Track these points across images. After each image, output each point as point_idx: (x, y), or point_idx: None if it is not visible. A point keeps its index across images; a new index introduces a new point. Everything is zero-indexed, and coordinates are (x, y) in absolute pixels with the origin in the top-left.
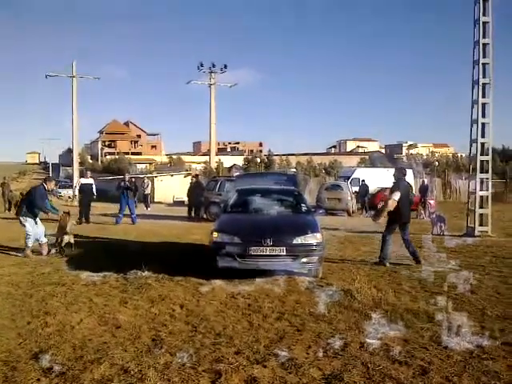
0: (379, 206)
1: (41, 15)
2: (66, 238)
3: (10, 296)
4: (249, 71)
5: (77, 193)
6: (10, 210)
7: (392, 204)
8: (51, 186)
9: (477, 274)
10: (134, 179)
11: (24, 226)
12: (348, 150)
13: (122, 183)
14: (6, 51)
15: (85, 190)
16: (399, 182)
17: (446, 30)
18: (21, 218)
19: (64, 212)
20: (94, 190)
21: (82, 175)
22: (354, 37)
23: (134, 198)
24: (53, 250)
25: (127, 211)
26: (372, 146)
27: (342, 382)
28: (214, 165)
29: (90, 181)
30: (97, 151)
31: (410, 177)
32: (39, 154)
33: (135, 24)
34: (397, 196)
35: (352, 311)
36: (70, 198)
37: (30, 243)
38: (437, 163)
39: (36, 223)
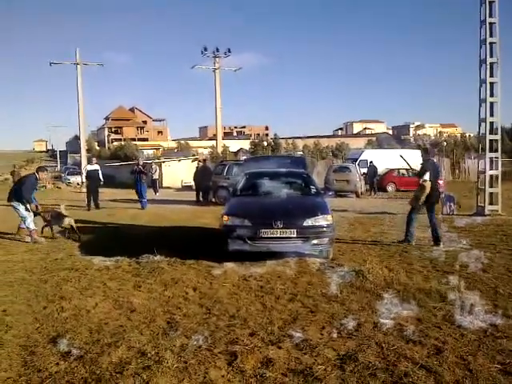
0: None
1: (45, 4)
2: (67, 221)
3: (25, 282)
4: (254, 55)
5: (84, 179)
6: None
7: (428, 185)
8: (43, 175)
9: (488, 252)
10: (146, 164)
11: (18, 210)
12: (355, 131)
13: (136, 167)
14: (11, 40)
15: (91, 176)
16: (427, 162)
17: (452, 9)
18: (13, 203)
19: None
20: (101, 175)
21: (89, 162)
22: (360, 18)
23: (145, 182)
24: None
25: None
26: (379, 128)
27: (357, 363)
28: (220, 149)
29: (96, 167)
30: (103, 137)
31: (417, 158)
32: (46, 141)
33: (138, 10)
34: (427, 176)
35: (364, 292)
36: (78, 184)
37: (32, 225)
38: (445, 143)
39: (27, 208)
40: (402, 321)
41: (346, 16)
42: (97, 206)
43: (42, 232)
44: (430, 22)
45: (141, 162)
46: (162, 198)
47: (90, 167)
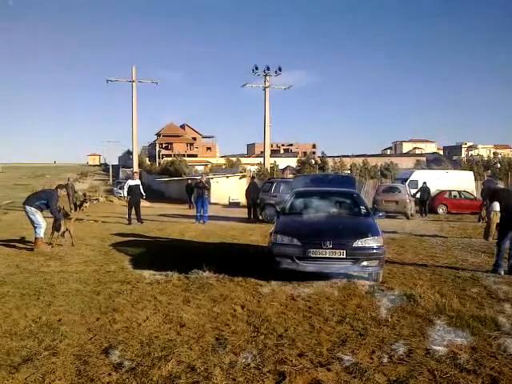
0: (483, 213)
1: (102, 24)
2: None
3: (79, 293)
4: (303, 73)
5: (125, 194)
6: (75, 209)
7: (496, 216)
8: (62, 192)
9: None
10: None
11: (34, 217)
12: (404, 151)
13: (200, 183)
14: (69, 58)
15: (133, 190)
16: (496, 191)
17: (505, 29)
18: (31, 209)
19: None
20: (142, 190)
21: (130, 177)
22: (409, 38)
23: (208, 197)
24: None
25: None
26: (429, 148)
27: None
28: (268, 166)
29: (137, 182)
30: (154, 153)
31: (470, 179)
32: (100, 155)
33: (191, 28)
34: (496, 207)
35: (415, 317)
36: (124, 197)
37: (42, 234)
38: (499, 165)
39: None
40: (456, 348)
41: (396, 34)
42: (139, 220)
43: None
44: (483, 42)
45: (204, 179)
46: (210, 214)
47: (132, 182)
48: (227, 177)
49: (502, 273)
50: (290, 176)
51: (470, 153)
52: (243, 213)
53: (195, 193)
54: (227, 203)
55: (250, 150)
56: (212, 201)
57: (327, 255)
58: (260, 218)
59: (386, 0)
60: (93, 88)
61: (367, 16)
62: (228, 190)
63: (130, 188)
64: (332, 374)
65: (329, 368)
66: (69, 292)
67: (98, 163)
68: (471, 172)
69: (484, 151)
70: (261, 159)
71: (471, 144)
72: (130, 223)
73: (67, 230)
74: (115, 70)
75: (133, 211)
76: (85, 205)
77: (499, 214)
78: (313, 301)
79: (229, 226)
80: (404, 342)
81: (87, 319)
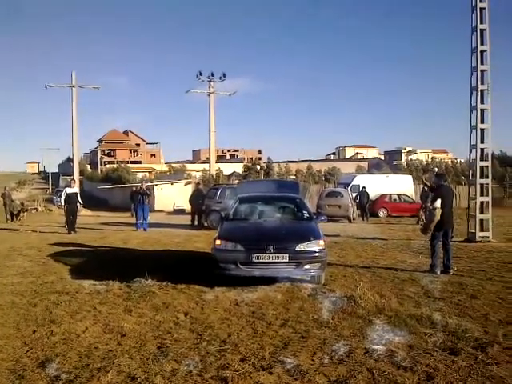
0: (421, 215)
1: (41, 25)
2: None
3: (15, 305)
4: (248, 80)
5: (63, 202)
6: (12, 219)
7: (438, 213)
8: None
9: (479, 279)
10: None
11: None
12: (347, 156)
13: (140, 189)
14: (5, 62)
15: (71, 198)
16: (440, 188)
17: (443, 36)
18: None
19: None
20: (79, 198)
21: (68, 185)
22: (352, 44)
23: (148, 204)
24: None
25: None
26: (371, 153)
27: None
28: (213, 172)
29: (75, 190)
30: (96, 160)
31: (409, 183)
32: (39, 163)
33: (134, 34)
34: (438, 203)
35: (356, 317)
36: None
37: None
38: (436, 169)
39: None
40: (393, 347)
41: (339, 43)
42: (73, 230)
43: None
44: (422, 47)
45: (144, 185)
46: (154, 221)
47: (70, 190)
48: (172, 183)
49: (438, 272)
50: (236, 182)
51: (410, 157)
52: (188, 220)
53: (135, 200)
54: (172, 210)
55: (196, 156)
56: (156, 208)
57: (271, 259)
58: (205, 224)
59: (330, 9)
60: (31, 93)
61: (310, 24)
62: (173, 196)
63: (68, 196)
64: (274, 377)
65: (271, 371)
66: (3, 305)
67: (36, 171)
68: (410, 176)
69: (423, 155)
70: (206, 165)
71: (410, 149)
72: (69, 233)
73: None
74: (56, 76)
75: None
76: (22, 214)
77: (441, 211)
78: (256, 305)
79: (173, 233)
80: (344, 343)
81: (23, 332)
